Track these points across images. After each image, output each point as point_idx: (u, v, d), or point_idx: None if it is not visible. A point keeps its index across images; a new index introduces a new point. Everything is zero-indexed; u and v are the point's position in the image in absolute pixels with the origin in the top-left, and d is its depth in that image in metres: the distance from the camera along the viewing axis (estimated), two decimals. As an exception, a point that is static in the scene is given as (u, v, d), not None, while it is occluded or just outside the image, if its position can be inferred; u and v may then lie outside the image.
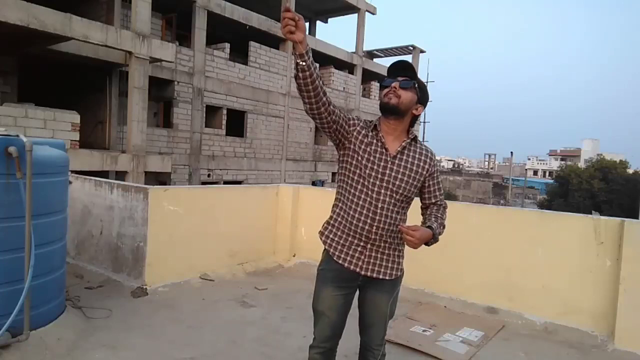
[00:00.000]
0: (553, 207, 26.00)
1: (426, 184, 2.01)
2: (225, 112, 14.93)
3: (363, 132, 1.93)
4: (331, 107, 1.82)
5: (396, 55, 25.59)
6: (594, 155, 36.28)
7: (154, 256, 4.08)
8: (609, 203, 26.67)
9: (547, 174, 63.04)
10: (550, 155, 71.04)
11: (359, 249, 1.94)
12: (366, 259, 1.94)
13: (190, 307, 3.79)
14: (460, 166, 71.08)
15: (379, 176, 1.89)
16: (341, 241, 1.97)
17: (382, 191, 1.89)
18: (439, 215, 2.01)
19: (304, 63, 1.66)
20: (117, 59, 10.65)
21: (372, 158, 1.90)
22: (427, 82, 28.53)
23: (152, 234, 4.06)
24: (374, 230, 1.90)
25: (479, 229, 4.15)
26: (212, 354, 2.99)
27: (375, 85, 22.09)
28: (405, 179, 1.91)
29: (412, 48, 24.30)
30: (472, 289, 4.10)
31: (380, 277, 1.96)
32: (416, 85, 1.90)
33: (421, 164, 1.95)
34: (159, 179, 12.30)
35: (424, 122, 27.92)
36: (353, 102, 19.75)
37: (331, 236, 2.01)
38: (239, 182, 14.90)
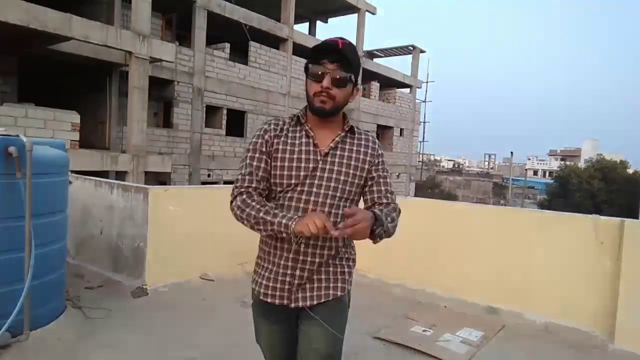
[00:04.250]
0: (553, 207, 25.99)
1: (368, 178, 1.59)
2: (225, 112, 14.93)
3: (277, 132, 1.56)
4: (260, 192, 1.54)
5: (396, 55, 25.60)
6: (594, 155, 36.28)
7: (154, 256, 4.08)
8: (609, 203, 26.68)
9: (547, 174, 63.04)
10: (550, 155, 71.05)
11: (287, 278, 1.55)
12: (294, 287, 1.55)
13: (190, 307, 3.79)
14: (460, 166, 71.14)
15: (308, 180, 1.50)
16: (266, 273, 1.59)
17: (312, 198, 1.49)
18: (386, 211, 1.51)
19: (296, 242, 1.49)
20: (117, 59, 10.66)
21: (296, 159, 1.51)
22: (427, 82, 28.51)
23: (152, 234, 4.06)
24: (302, 249, 1.52)
25: (479, 229, 4.14)
26: (212, 354, 2.99)
27: (375, 85, 22.10)
28: (343, 177, 1.52)
29: (412, 48, 24.31)
30: (472, 289, 4.09)
31: (308, 303, 1.54)
32: (352, 78, 1.50)
33: (361, 155, 1.56)
34: (159, 179, 12.31)
35: (424, 122, 27.89)
36: (353, 102, 19.71)
37: (257, 270, 1.64)
38: (239, 182, 14.88)
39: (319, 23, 21.90)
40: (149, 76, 10.70)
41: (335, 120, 1.57)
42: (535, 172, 66.68)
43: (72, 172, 4.62)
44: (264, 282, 1.57)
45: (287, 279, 1.54)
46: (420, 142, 28.44)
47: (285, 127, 1.57)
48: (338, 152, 1.54)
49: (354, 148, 1.57)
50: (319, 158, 1.52)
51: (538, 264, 3.79)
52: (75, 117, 9.08)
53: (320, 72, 1.47)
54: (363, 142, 1.60)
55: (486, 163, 72.73)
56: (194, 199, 4.48)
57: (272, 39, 16.10)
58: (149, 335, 3.18)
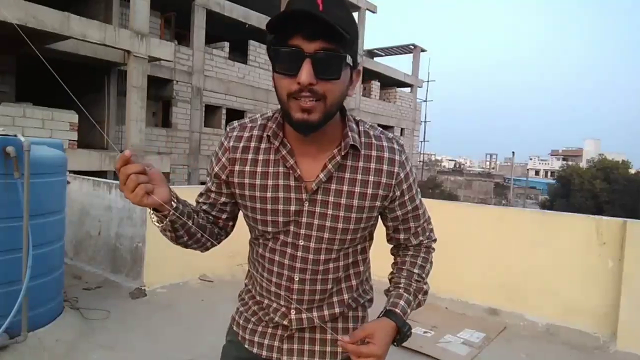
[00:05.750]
0: (555, 208, 26.00)
1: (390, 209, 1.07)
2: (224, 111, 14.92)
3: (240, 151, 1.04)
4: (221, 218, 1.14)
5: (397, 54, 25.60)
6: (596, 156, 36.29)
7: (152, 257, 4.06)
8: (611, 203, 26.67)
9: (548, 174, 63.11)
10: (552, 155, 71.14)
11: (276, 338, 1.11)
12: (285, 340, 1.10)
13: (189, 308, 3.77)
14: (462, 166, 71.17)
15: (292, 228, 1.02)
16: (249, 316, 1.16)
17: (299, 254, 1.03)
18: (415, 273, 1.12)
19: (179, 223, 0.99)
20: (116, 58, 10.63)
21: (271, 198, 1.01)
22: (428, 81, 28.51)
23: (151, 234, 4.03)
24: (293, 317, 1.06)
25: (481, 229, 4.13)
26: (210, 356, 2.97)
27: (375, 84, 22.09)
28: (341, 225, 1.01)
29: (413, 47, 24.32)
30: (473, 290, 4.08)
31: None
32: (348, 58, 0.91)
33: (369, 188, 1.01)
34: (159, 178, 12.28)
35: (425, 122, 27.88)
36: (353, 101, 19.72)
37: (241, 309, 1.20)
38: (239, 182, 14.91)
39: (318, 22, 21.87)
40: (147, 75, 10.68)
41: (328, 129, 0.97)
42: (537, 172, 66.77)
43: (70, 172, 4.60)
44: (248, 330, 1.17)
45: (279, 338, 1.12)
46: (421, 141, 28.44)
47: (254, 141, 1.03)
48: (333, 187, 1.00)
49: (358, 177, 1.00)
50: (303, 197, 1.00)
51: (539, 265, 3.77)
52: (73, 117, 9.06)
53: (293, 59, 0.88)
54: (373, 162, 1.01)
55: (487, 163, 72.79)
56: (193, 199, 4.45)
57: (271, 38, 16.09)
58: (147, 336, 3.17)
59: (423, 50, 24.68)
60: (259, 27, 15.24)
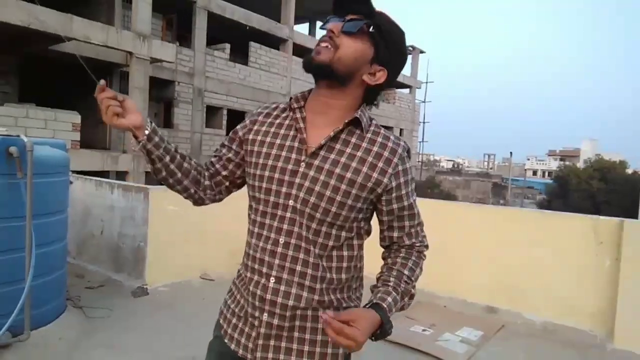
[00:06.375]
0: (552, 207, 26.00)
1: (383, 203, 1.08)
2: (225, 112, 14.96)
3: (262, 117, 1.16)
4: (220, 175, 1.20)
5: (396, 55, 25.57)
6: (593, 156, 36.33)
7: (154, 256, 4.09)
8: (608, 203, 26.68)
9: (546, 174, 63.08)
10: (549, 155, 71.08)
11: (253, 321, 1.09)
12: (260, 340, 1.08)
13: (190, 307, 3.79)
14: (460, 166, 71.12)
15: (284, 189, 1.05)
16: (233, 307, 1.17)
17: (288, 215, 1.05)
18: (405, 274, 1.09)
19: (155, 154, 1.08)
20: (118, 59, 10.67)
21: (274, 155, 1.08)
22: (426, 82, 28.58)
23: (153, 233, 4.07)
24: (270, 286, 1.06)
25: (479, 228, 4.15)
26: (212, 354, 3.00)
27: (375, 86, 22.09)
28: (329, 193, 1.02)
29: (411, 48, 24.34)
30: (471, 289, 4.10)
31: None
32: (372, 29, 1.04)
33: (365, 167, 1.04)
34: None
35: (423, 123, 27.90)
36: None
37: (227, 297, 1.23)
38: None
39: (319, 23, 21.92)
40: (149, 76, 10.72)
41: (339, 103, 1.07)
42: (535, 172, 66.73)
43: (73, 172, 4.63)
44: (229, 316, 1.20)
45: (255, 322, 1.10)
46: (420, 142, 28.46)
47: (277, 110, 1.15)
48: (332, 156, 1.04)
49: (358, 154, 1.05)
50: (302, 159, 1.05)
51: (537, 264, 3.80)
52: (75, 117, 9.09)
53: (334, 21, 1.05)
54: (376, 146, 1.06)
55: (485, 163, 72.74)
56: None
57: (272, 39, 16.11)
58: (149, 335, 3.19)
59: (422, 52, 24.72)
60: (260, 29, 15.29)
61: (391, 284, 1.07)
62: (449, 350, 3.19)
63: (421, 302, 4.20)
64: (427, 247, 1.18)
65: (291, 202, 1.05)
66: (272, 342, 1.07)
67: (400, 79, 23.55)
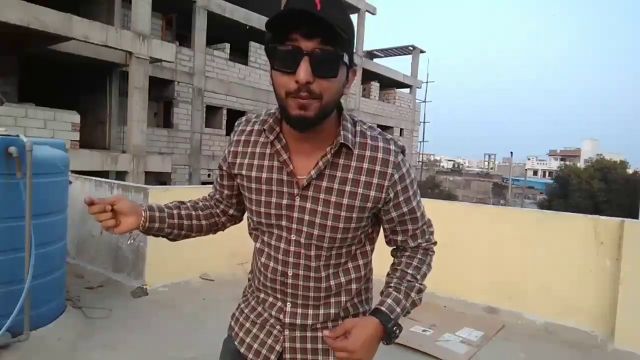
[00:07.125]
0: (553, 207, 26.01)
1: (382, 213, 1.07)
2: (225, 112, 14.96)
3: (241, 144, 1.10)
4: (221, 206, 1.24)
5: (396, 55, 25.60)
6: (594, 156, 36.32)
7: (154, 256, 4.08)
8: (608, 203, 26.68)
9: (546, 174, 63.08)
10: (550, 155, 71.08)
11: (272, 330, 1.11)
12: (287, 343, 1.10)
13: (190, 307, 3.79)
14: (460, 166, 71.17)
15: (284, 222, 1.04)
16: (247, 312, 1.19)
17: (292, 249, 1.05)
18: (409, 273, 1.09)
19: (165, 231, 1.16)
20: (118, 59, 10.67)
21: (265, 190, 1.05)
22: (427, 82, 28.56)
23: (152, 234, 4.06)
24: (287, 311, 1.08)
25: (479, 229, 4.15)
26: (212, 354, 2.99)
27: (375, 85, 22.12)
28: (330, 223, 1.01)
29: (412, 48, 24.35)
30: (472, 289, 4.10)
31: None
32: (345, 57, 0.92)
33: (360, 188, 1.00)
34: (159, 179, 12.32)
35: (424, 123, 27.91)
36: (353, 102, 19.75)
37: (241, 306, 1.23)
38: (239, 182, 14.93)
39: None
40: (149, 76, 10.72)
41: (323, 128, 0.98)
42: (535, 172, 66.72)
43: (73, 172, 4.62)
44: (243, 324, 1.20)
45: (276, 334, 1.12)
46: (420, 142, 28.46)
47: (254, 135, 1.08)
48: (324, 184, 1.00)
49: (349, 176, 1.00)
50: (295, 192, 1.02)
51: (538, 264, 3.80)
52: (75, 117, 9.09)
53: (291, 57, 0.88)
54: (366, 162, 1.00)
55: (486, 163, 72.75)
56: (193, 199, 4.47)
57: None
58: (149, 335, 3.19)
59: (422, 52, 24.71)
60: (260, 29, 15.27)
61: (392, 285, 1.07)
62: (449, 351, 3.18)
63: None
64: (435, 244, 1.17)
65: (294, 237, 1.04)
66: (297, 345, 1.10)
67: (400, 78, 23.57)
